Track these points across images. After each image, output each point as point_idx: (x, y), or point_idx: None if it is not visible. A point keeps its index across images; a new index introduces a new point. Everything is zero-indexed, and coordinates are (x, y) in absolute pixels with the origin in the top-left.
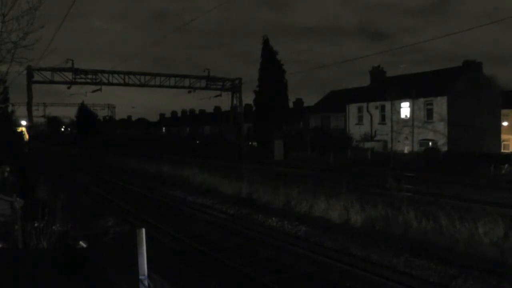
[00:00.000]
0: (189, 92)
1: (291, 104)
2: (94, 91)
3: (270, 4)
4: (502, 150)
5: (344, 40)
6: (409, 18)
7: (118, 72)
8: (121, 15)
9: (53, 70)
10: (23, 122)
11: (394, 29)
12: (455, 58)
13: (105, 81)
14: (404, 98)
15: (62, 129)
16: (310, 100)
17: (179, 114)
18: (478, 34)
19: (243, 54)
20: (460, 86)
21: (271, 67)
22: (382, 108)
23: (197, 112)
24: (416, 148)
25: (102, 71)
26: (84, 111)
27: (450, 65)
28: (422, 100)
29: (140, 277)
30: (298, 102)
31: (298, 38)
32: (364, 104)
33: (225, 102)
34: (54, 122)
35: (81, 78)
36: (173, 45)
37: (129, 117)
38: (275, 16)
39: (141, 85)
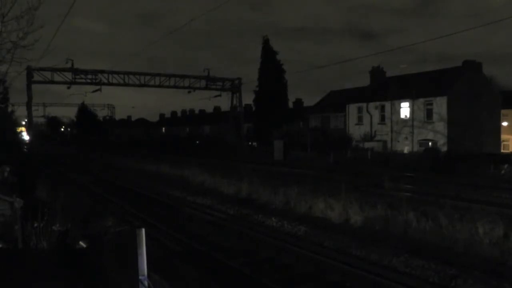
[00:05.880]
0: (189, 92)
1: (290, 104)
2: (94, 91)
3: (254, 4)
4: (502, 150)
5: (332, 41)
6: (394, 18)
7: (117, 72)
8: (111, 16)
9: (53, 70)
10: (23, 122)
11: (380, 29)
12: (446, 58)
13: (105, 81)
14: (404, 98)
15: (62, 129)
16: (310, 100)
17: (179, 114)
18: (467, 34)
19: (235, 54)
20: (460, 86)
21: (271, 67)
22: (382, 108)
23: (197, 112)
24: (416, 148)
25: (102, 71)
26: (84, 111)
27: (442, 65)
28: (422, 100)
29: (140, 277)
30: (298, 102)
31: (286, 38)
32: (364, 104)
33: (224, 102)
34: (53, 122)
35: (81, 78)
36: (166, 45)
37: (129, 117)
38: (260, 17)
39: (141, 85)
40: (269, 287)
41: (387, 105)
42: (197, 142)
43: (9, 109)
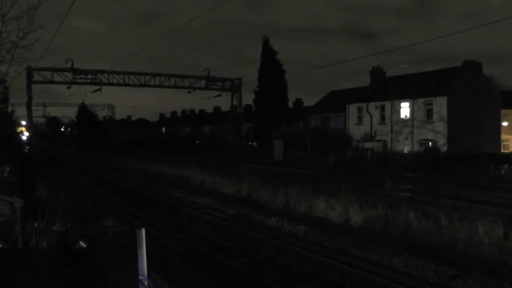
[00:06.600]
0: (189, 92)
1: (290, 104)
2: (94, 91)
3: (254, 4)
4: (502, 150)
5: (332, 41)
6: (393, 18)
7: (118, 72)
8: (111, 16)
9: (53, 70)
10: (23, 122)
11: (380, 29)
12: (446, 58)
13: (105, 81)
14: (404, 98)
15: (62, 129)
16: (310, 100)
17: (179, 114)
18: (467, 34)
19: (235, 54)
20: (460, 86)
21: (270, 67)
22: (382, 108)
23: (197, 112)
24: (416, 148)
25: (102, 71)
26: (84, 111)
27: (442, 65)
28: (422, 100)
29: (140, 277)
30: (298, 102)
31: (286, 38)
32: (364, 104)
33: (225, 102)
34: (53, 122)
35: (81, 78)
36: (166, 45)
37: (129, 117)
38: (260, 17)
39: (141, 85)
40: (269, 287)
41: (387, 105)
42: (197, 142)
43: (9, 109)
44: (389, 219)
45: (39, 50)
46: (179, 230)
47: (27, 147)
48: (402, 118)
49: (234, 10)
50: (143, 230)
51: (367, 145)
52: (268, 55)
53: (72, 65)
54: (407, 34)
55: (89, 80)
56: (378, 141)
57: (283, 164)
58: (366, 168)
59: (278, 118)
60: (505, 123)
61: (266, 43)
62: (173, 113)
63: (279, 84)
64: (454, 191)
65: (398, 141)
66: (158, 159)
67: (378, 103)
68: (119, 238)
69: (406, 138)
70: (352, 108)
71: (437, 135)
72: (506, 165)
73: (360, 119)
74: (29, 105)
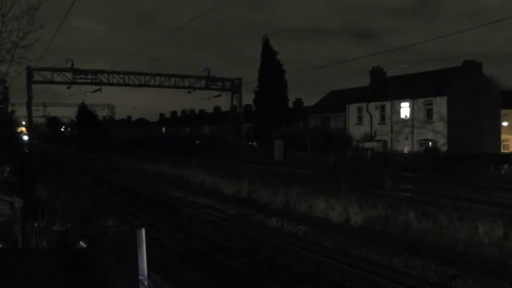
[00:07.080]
0: (189, 92)
1: (291, 104)
2: (94, 91)
3: (254, 4)
4: (502, 150)
5: (332, 41)
6: (393, 18)
7: (117, 72)
8: (111, 16)
9: (53, 70)
10: (23, 122)
11: (379, 29)
12: (446, 58)
13: (105, 81)
14: (404, 98)
15: (62, 129)
16: (310, 100)
17: (179, 114)
18: (467, 34)
19: (235, 54)
20: (460, 86)
21: (271, 67)
22: (382, 108)
23: (197, 112)
24: (416, 148)
25: (102, 71)
26: (84, 111)
27: (442, 65)
28: (422, 100)
29: (140, 277)
30: (298, 102)
31: (286, 38)
32: (364, 104)
33: (225, 102)
34: (53, 122)
35: (81, 78)
36: (166, 45)
37: (129, 117)
38: (260, 17)
39: (141, 85)
40: (269, 287)
41: (387, 105)
42: (197, 142)
43: (9, 109)
44: (389, 219)
45: (39, 50)
46: (179, 230)
47: (27, 147)
48: (402, 118)
49: (234, 10)
50: (143, 230)
51: (367, 145)
52: (268, 55)
53: (72, 65)
54: (407, 34)
55: (89, 80)
56: (378, 141)
57: (283, 164)
58: (366, 168)
59: (278, 118)
60: (505, 123)
61: (266, 43)
62: (173, 113)
63: (279, 84)
64: (454, 191)
65: (398, 141)
66: (158, 159)
67: (378, 103)
68: (119, 238)
69: (406, 138)
70: (352, 108)
71: (437, 135)
72: (506, 165)
73: (360, 119)
74: (29, 105)
